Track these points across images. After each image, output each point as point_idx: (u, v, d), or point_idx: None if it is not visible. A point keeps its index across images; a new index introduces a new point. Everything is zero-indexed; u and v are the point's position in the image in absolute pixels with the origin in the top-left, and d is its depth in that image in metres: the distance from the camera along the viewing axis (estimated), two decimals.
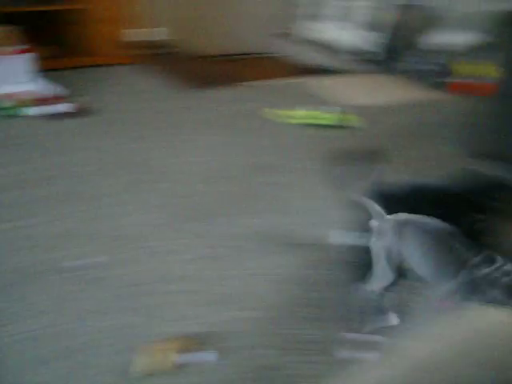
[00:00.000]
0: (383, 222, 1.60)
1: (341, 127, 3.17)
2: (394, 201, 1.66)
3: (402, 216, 1.57)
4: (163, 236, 2.08)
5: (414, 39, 4.39)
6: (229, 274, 1.90)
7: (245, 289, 1.84)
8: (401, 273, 1.58)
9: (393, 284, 1.61)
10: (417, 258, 1.48)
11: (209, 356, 1.59)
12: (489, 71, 3.74)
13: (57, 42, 4.11)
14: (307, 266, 1.98)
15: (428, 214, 1.53)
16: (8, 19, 3.37)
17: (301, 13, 5.23)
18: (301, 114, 3.28)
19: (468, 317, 0.91)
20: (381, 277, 1.63)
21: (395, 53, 4.58)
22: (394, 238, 1.55)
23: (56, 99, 3.28)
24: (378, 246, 1.60)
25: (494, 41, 2.97)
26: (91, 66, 4.22)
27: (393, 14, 4.54)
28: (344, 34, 4.92)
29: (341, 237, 1.98)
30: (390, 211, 1.60)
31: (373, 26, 4.69)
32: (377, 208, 1.63)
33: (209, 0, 4.89)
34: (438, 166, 2.77)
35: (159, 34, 4.73)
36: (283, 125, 3.22)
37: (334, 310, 1.75)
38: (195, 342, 1.61)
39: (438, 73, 4.26)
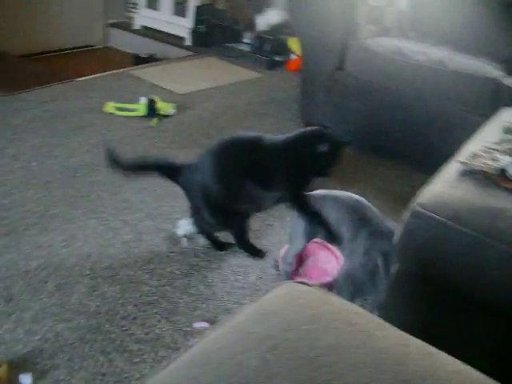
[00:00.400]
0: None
1: (156, 116, 3.16)
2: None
3: (321, 192, 1.90)
4: None
5: (241, 20, 4.46)
6: None
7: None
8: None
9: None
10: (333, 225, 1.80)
11: (24, 380, 1.52)
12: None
13: None
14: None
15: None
16: None
17: (135, 1, 5.09)
18: (120, 107, 3.21)
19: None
20: (295, 245, 1.94)
21: (224, 35, 4.63)
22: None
23: None
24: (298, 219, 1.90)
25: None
26: None
27: None
28: (172, 20, 4.88)
29: (187, 226, 2.17)
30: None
31: (185, 11, 4.70)
32: None
33: None
34: None
35: None
36: (112, 118, 3.13)
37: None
38: (10, 367, 1.54)
39: (272, 51, 4.37)
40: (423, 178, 2.81)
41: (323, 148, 1.91)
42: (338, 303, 0.87)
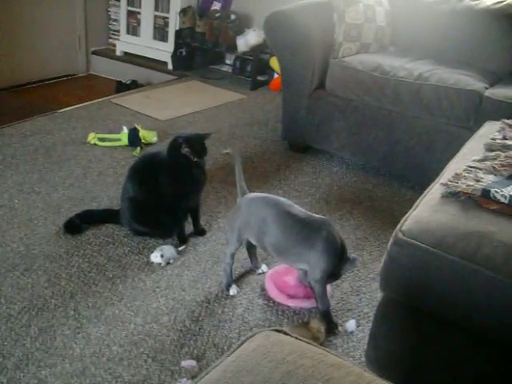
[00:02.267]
0: (241, 199, 2.00)
1: (139, 145, 3.14)
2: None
3: (252, 194, 2.00)
4: None
5: (223, 42, 4.45)
6: None
7: None
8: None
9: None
10: (257, 226, 1.89)
11: None
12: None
13: None
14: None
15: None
16: None
17: (117, 28, 5.09)
18: (102, 137, 3.19)
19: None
20: (231, 244, 2.01)
21: (205, 58, 4.62)
22: (245, 210, 1.94)
23: None
24: (234, 218, 1.98)
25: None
26: None
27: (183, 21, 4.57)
28: (153, 44, 4.88)
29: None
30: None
31: (166, 36, 4.70)
32: (243, 187, 2.03)
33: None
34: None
35: None
36: (95, 150, 3.11)
37: None
38: None
39: (255, 72, 4.36)
40: (411, 194, 2.83)
41: (184, 149, 2.17)
42: (316, 354, 0.84)
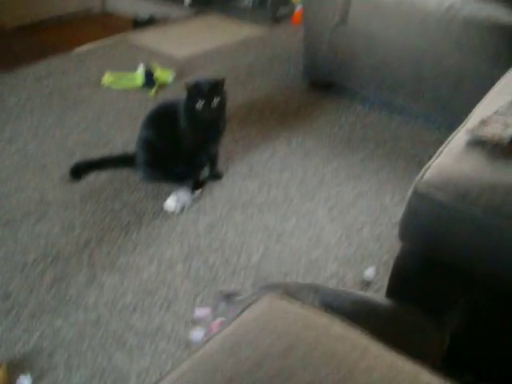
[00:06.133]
0: None
1: (154, 86, 3.04)
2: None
3: None
4: None
5: None
6: None
7: None
8: None
9: None
10: None
11: (24, 381, 1.49)
12: None
13: None
14: None
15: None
16: None
17: None
18: (117, 78, 3.10)
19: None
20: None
21: None
22: None
23: None
24: None
25: None
26: None
27: None
28: None
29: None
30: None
31: None
32: None
33: None
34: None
35: None
36: (110, 92, 3.03)
37: None
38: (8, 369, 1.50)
39: (276, 5, 4.17)
40: (436, 135, 2.71)
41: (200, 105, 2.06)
42: (320, 325, 0.78)
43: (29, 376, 1.50)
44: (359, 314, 1.31)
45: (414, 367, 0.72)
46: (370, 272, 1.87)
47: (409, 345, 1.21)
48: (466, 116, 1.59)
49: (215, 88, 2.09)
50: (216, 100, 2.07)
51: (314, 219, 2.12)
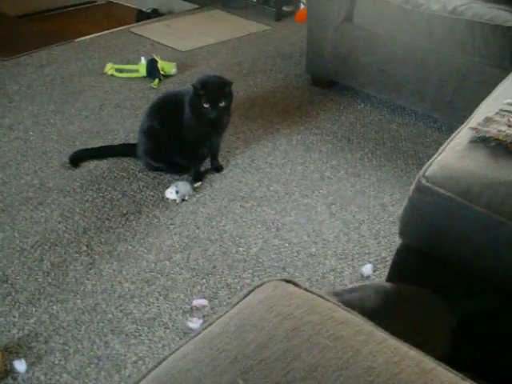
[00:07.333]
0: None
1: (157, 77, 3.02)
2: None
3: None
4: None
5: None
6: None
7: None
8: None
9: None
10: None
11: (19, 366, 1.49)
12: None
13: None
14: None
15: None
16: None
17: None
18: (120, 68, 3.10)
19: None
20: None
21: None
22: None
23: None
24: None
25: None
26: None
27: None
28: None
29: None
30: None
31: None
32: None
33: None
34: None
35: None
36: (112, 81, 3.02)
37: None
38: (3, 354, 1.50)
39: (280, 2, 4.16)
40: (437, 135, 2.72)
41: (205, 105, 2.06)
42: (325, 309, 0.79)
43: (23, 361, 1.50)
44: (364, 287, 1.31)
45: (417, 353, 0.72)
46: (367, 268, 1.88)
47: (412, 318, 1.23)
48: (469, 116, 1.59)
49: (222, 91, 2.09)
50: (222, 103, 2.07)
51: (313, 215, 2.12)
